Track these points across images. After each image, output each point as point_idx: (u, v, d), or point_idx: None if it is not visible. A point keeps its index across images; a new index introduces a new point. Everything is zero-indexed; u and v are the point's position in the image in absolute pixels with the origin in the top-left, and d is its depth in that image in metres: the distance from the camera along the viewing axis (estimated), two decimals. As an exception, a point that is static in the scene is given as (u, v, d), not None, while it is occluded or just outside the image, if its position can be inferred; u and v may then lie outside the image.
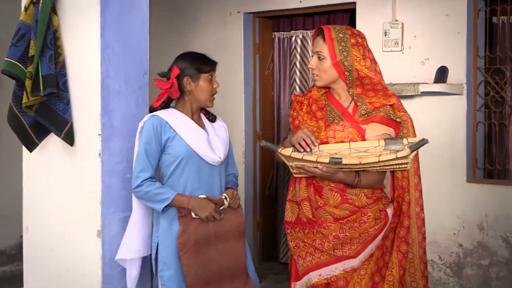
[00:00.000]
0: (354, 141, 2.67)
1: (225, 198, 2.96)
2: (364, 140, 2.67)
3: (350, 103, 2.77)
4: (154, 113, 2.92)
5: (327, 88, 2.83)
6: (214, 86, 2.98)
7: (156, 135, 2.87)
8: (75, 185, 3.15)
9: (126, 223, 3.04)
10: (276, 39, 5.75)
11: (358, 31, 2.79)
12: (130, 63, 3.18)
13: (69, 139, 3.11)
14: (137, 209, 2.98)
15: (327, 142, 2.70)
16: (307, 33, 5.52)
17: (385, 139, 2.61)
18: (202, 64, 2.94)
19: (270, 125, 5.81)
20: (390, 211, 2.76)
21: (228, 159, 3.09)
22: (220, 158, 2.98)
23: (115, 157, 3.11)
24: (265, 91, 5.73)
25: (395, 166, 2.57)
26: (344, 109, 2.76)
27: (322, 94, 2.84)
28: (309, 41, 5.49)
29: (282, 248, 5.61)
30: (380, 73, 2.78)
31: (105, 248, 3.06)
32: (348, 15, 5.33)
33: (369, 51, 2.75)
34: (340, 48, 2.69)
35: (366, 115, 2.69)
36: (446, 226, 4.58)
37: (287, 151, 2.59)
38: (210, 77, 2.95)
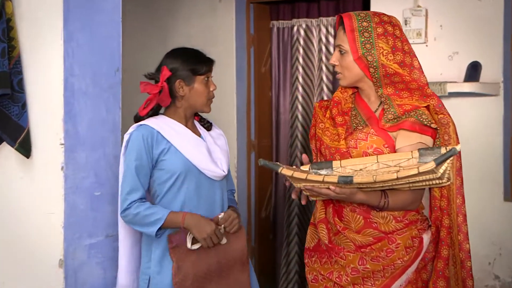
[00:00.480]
0: (380, 151, 2.63)
1: (220, 218, 2.95)
2: (394, 151, 2.64)
3: (378, 106, 2.74)
4: (142, 122, 2.92)
5: (356, 88, 2.82)
6: (211, 89, 2.98)
7: (147, 149, 2.86)
8: (33, 205, 3.15)
9: (94, 251, 3.04)
10: (275, 29, 5.76)
11: (389, 17, 2.74)
12: (99, 58, 3.19)
13: (25, 149, 3.11)
14: (124, 236, 3.00)
15: (347, 153, 2.68)
16: (311, 22, 5.53)
17: (419, 150, 2.55)
18: (197, 64, 2.94)
19: (267, 132, 5.81)
20: (426, 237, 2.71)
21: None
22: (224, 171, 3.00)
23: (80, 171, 3.11)
24: (262, 91, 5.74)
25: (427, 183, 2.50)
26: (371, 113, 2.74)
27: (350, 95, 2.84)
28: (314, 31, 5.51)
29: (282, 281, 5.60)
30: (418, 68, 2.75)
31: (68, 280, 3.05)
32: (360, 0, 5.35)
33: (403, 41, 2.72)
34: (363, 40, 2.66)
35: (394, 120, 2.64)
36: (480, 253, 4.57)
37: (288, 171, 2.55)
38: (206, 79, 2.96)
